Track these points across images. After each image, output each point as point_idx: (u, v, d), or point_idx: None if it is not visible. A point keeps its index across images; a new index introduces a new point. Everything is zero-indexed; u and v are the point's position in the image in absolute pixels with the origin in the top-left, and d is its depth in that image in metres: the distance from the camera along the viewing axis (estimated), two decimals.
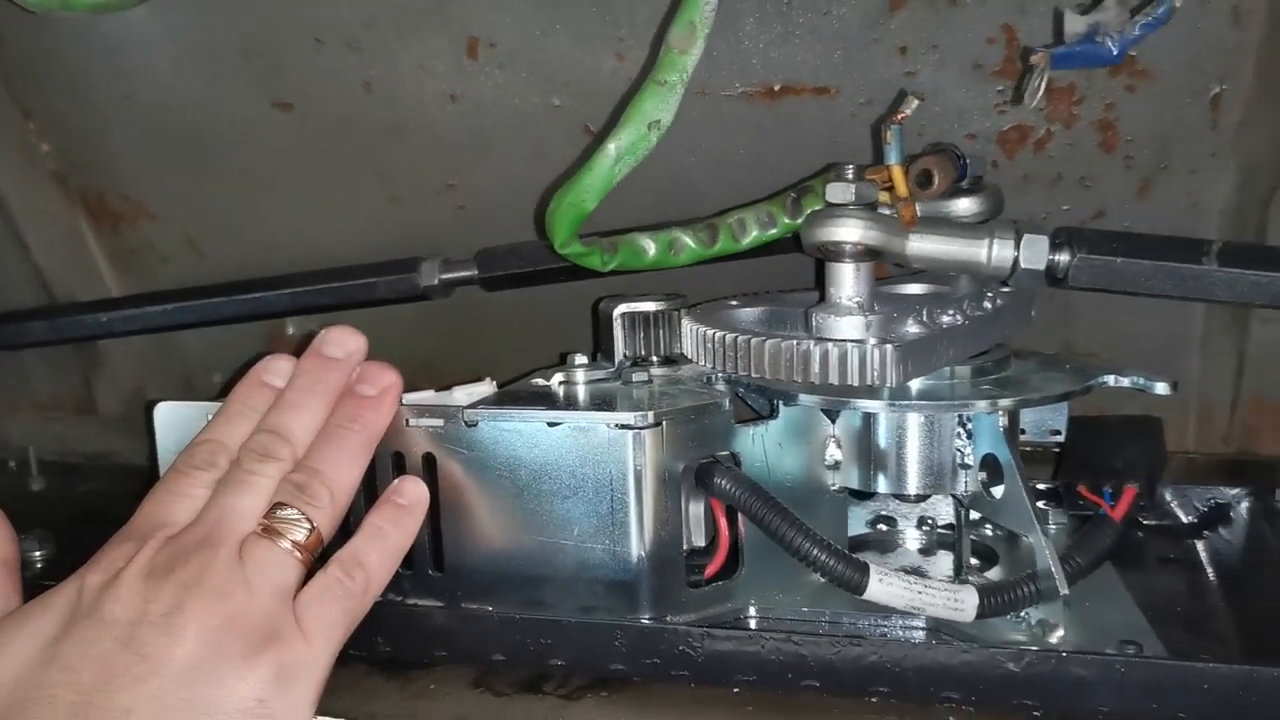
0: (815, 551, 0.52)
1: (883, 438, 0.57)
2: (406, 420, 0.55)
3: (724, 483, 0.54)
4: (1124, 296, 0.59)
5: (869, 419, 0.58)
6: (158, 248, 0.87)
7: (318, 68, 0.72)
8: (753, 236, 0.64)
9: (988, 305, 0.58)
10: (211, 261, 0.86)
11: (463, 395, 0.57)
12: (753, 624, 0.56)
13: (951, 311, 0.56)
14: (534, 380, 0.60)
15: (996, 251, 0.57)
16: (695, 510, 0.55)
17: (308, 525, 0.50)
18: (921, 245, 0.57)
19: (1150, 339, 0.74)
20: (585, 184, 0.53)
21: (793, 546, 0.53)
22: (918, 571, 0.59)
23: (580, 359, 0.61)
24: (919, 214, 0.57)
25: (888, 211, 0.56)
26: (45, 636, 0.46)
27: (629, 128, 0.52)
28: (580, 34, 0.66)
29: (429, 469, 0.56)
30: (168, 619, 0.45)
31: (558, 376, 0.60)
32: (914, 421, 0.57)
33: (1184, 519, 0.69)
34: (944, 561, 0.64)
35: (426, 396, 0.57)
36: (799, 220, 0.63)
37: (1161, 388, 0.57)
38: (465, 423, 0.54)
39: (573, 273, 0.67)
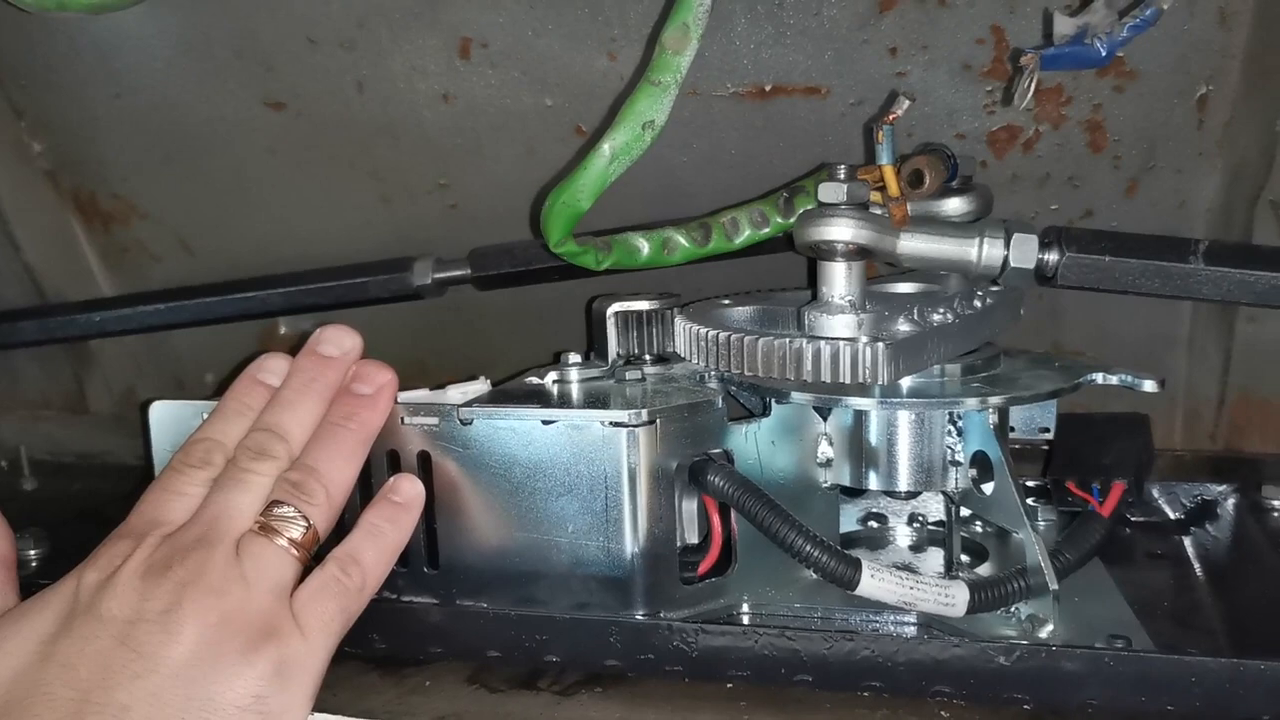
0: (808, 548, 0.53)
1: (874, 435, 0.58)
2: (401, 418, 0.56)
3: (717, 480, 0.54)
4: (1112, 295, 0.60)
5: (860, 416, 0.58)
6: (149, 247, 0.87)
7: (310, 67, 0.72)
8: (745, 236, 0.64)
9: (978, 304, 0.59)
10: (203, 261, 0.86)
11: (457, 394, 0.57)
12: (746, 620, 0.56)
13: (942, 310, 0.56)
14: (528, 379, 0.60)
15: (987, 250, 0.58)
16: (688, 507, 0.56)
17: (304, 523, 0.50)
18: (912, 244, 0.57)
19: (1138, 337, 0.75)
20: (580, 183, 0.53)
21: (786, 543, 0.53)
22: (908, 568, 0.60)
23: (574, 357, 0.62)
24: (910, 213, 0.57)
25: (879, 211, 0.56)
26: (43, 634, 0.46)
27: (623, 128, 0.52)
28: (572, 34, 0.67)
29: (424, 467, 0.56)
30: (165, 616, 0.46)
31: (551, 375, 0.60)
32: (905, 419, 0.57)
33: (1171, 515, 0.69)
34: (934, 558, 0.64)
35: (421, 395, 0.57)
36: (791, 220, 0.63)
37: (1149, 385, 0.58)
38: (460, 421, 0.55)
39: (565, 272, 0.68)
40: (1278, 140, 0.63)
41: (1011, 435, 0.61)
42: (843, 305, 0.56)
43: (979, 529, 0.65)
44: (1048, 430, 0.62)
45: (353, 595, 0.50)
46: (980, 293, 0.60)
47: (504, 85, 0.70)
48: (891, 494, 0.65)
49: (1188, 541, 0.67)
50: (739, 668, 0.51)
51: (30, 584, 0.52)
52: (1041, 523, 0.66)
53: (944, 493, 0.60)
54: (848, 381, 0.53)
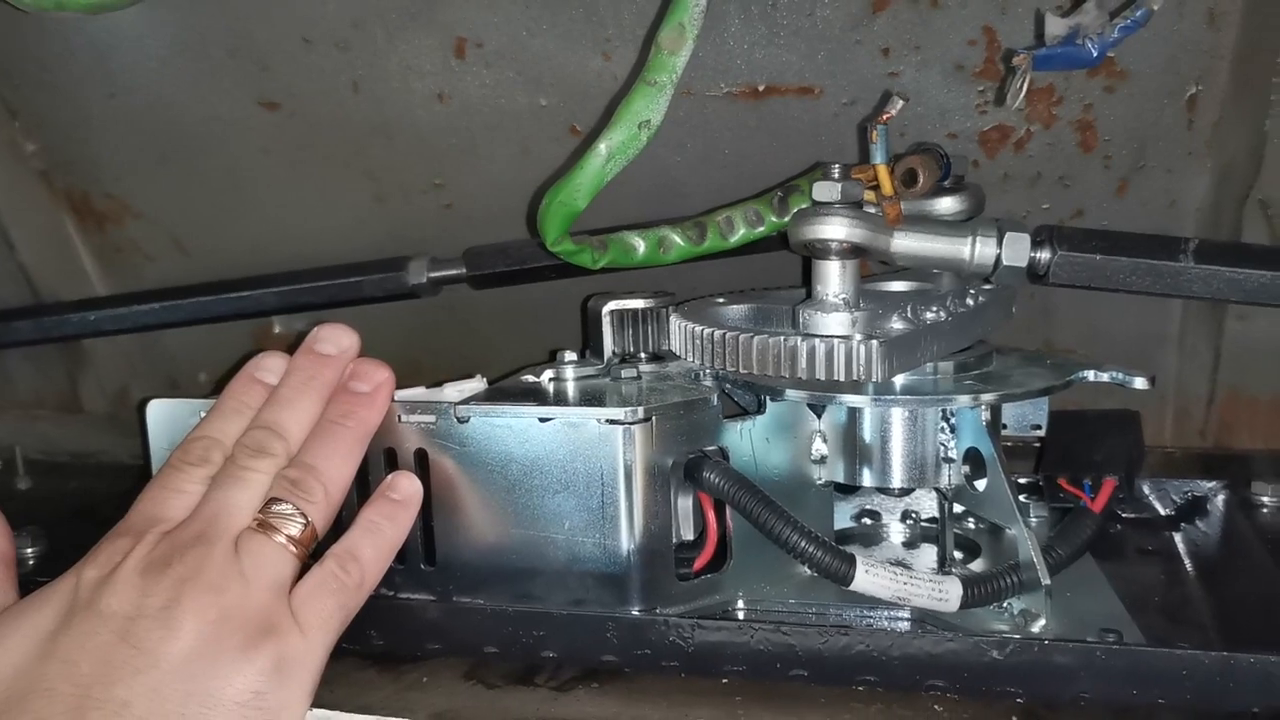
0: (803, 544, 0.53)
1: (868, 432, 0.58)
2: (399, 416, 0.56)
3: (713, 477, 0.54)
4: (1103, 294, 0.61)
5: (854, 414, 0.58)
6: (143, 247, 0.87)
7: (305, 67, 0.72)
8: (740, 234, 0.65)
9: (970, 302, 0.59)
10: (197, 260, 0.86)
11: (454, 392, 0.57)
12: (741, 615, 0.57)
13: (935, 308, 0.57)
14: (524, 377, 0.61)
15: (979, 249, 0.58)
16: (684, 504, 0.56)
17: (302, 520, 0.50)
18: (906, 243, 0.58)
19: (1128, 335, 0.75)
20: (577, 183, 0.54)
21: (781, 539, 0.53)
22: (902, 564, 0.60)
23: (569, 356, 0.62)
24: (903, 212, 0.58)
25: (873, 210, 0.57)
26: (43, 631, 0.46)
27: (620, 127, 0.52)
28: (567, 34, 0.67)
29: (421, 465, 0.56)
30: (165, 612, 0.46)
31: (547, 373, 0.60)
32: (898, 416, 0.58)
33: (1161, 511, 0.70)
34: (928, 554, 0.65)
35: (418, 393, 0.57)
36: (786, 218, 0.63)
37: (1140, 383, 0.58)
38: (457, 418, 0.55)
39: (560, 271, 0.68)
40: (1266, 140, 0.64)
41: (1004, 432, 0.61)
42: (837, 303, 0.56)
43: (972, 525, 0.66)
44: (1040, 427, 0.62)
45: (351, 592, 0.51)
46: (973, 291, 0.60)
47: (499, 85, 0.70)
48: (885, 491, 0.66)
49: (1178, 537, 0.68)
50: (735, 663, 0.51)
51: (28, 582, 0.52)
52: (1034, 518, 0.66)
53: (937, 489, 0.60)
54: (842, 379, 0.53)
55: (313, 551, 0.51)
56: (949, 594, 0.53)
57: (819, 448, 0.60)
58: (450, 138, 0.74)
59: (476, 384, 0.59)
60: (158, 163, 0.81)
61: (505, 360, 0.69)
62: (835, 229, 0.55)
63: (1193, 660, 0.47)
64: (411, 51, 0.70)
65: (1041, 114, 0.66)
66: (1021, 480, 0.67)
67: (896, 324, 0.55)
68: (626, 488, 0.53)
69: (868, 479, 0.59)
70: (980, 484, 0.56)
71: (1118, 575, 0.60)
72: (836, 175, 0.56)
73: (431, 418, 0.56)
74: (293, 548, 0.50)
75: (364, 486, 0.56)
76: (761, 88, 0.67)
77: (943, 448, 0.58)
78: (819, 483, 0.60)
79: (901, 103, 0.54)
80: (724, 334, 0.55)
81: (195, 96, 0.75)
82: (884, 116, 0.54)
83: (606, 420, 0.53)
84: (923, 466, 0.58)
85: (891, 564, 0.55)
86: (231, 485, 0.51)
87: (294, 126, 0.76)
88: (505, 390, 0.59)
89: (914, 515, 0.68)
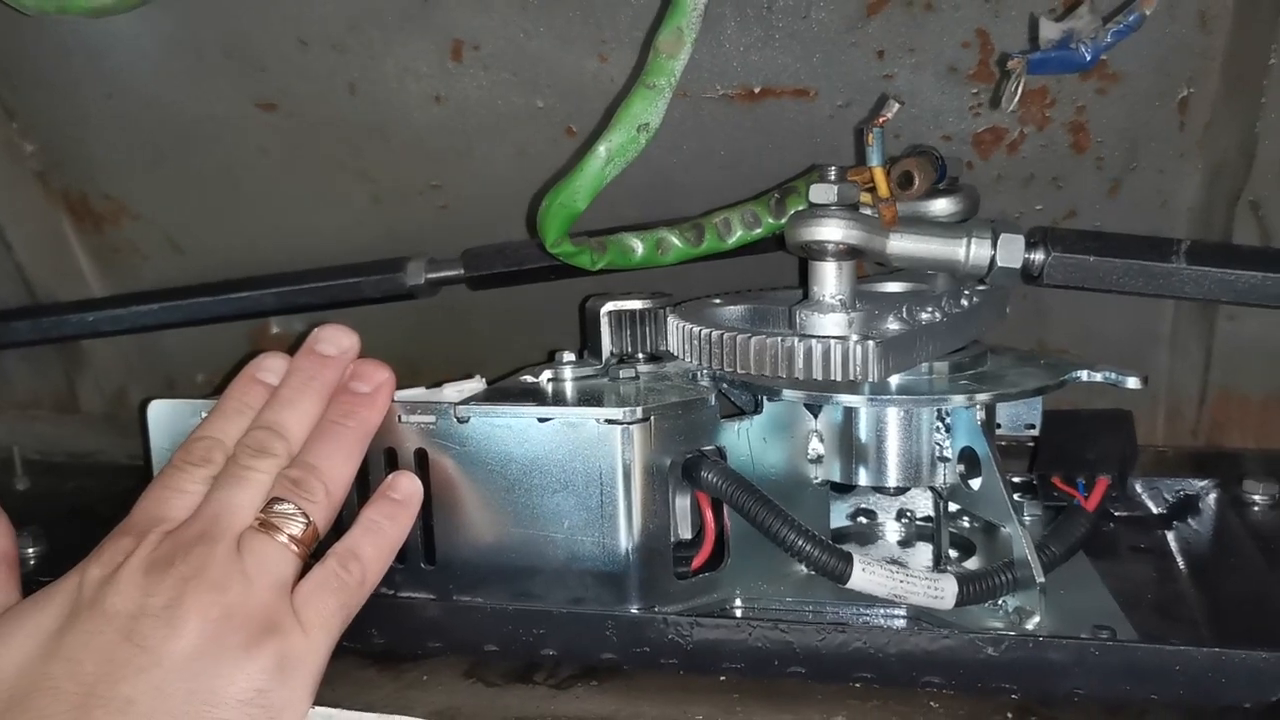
0: (801, 542, 0.53)
1: (864, 432, 0.59)
2: (399, 416, 0.56)
3: (710, 476, 0.55)
4: (1096, 294, 0.61)
5: (850, 414, 0.59)
6: (140, 247, 0.87)
7: (302, 69, 0.72)
8: (738, 236, 0.65)
9: (965, 303, 0.60)
10: (194, 261, 0.86)
11: (453, 392, 0.58)
12: (739, 613, 0.57)
13: (930, 309, 0.57)
14: (523, 377, 0.61)
15: (974, 250, 0.59)
16: (682, 503, 0.56)
17: (304, 520, 0.51)
18: (902, 244, 0.58)
19: (1121, 335, 0.76)
20: (576, 185, 0.54)
21: (779, 538, 0.54)
22: (898, 563, 0.61)
23: (567, 356, 0.62)
24: (899, 214, 0.58)
25: (869, 212, 0.57)
26: (47, 629, 0.46)
27: (619, 130, 0.53)
28: (563, 36, 0.67)
29: (421, 464, 0.56)
30: (168, 611, 0.46)
31: (546, 373, 0.60)
32: (894, 416, 0.58)
33: (1154, 510, 0.70)
34: (923, 553, 0.65)
35: (418, 393, 0.58)
36: (783, 220, 0.64)
37: (1132, 383, 0.59)
38: (457, 419, 0.55)
39: (557, 272, 0.69)
40: (1257, 141, 0.64)
41: (998, 431, 0.62)
42: (833, 304, 0.57)
43: (967, 524, 0.66)
44: (1033, 427, 0.63)
45: (352, 591, 0.51)
46: (967, 292, 0.61)
47: (495, 87, 0.71)
48: (881, 490, 0.66)
49: (1170, 535, 0.68)
50: (733, 660, 0.52)
51: (29, 581, 0.52)
52: (1028, 517, 0.67)
53: (932, 488, 0.61)
54: (838, 379, 0.53)
55: (314, 551, 0.52)
56: (944, 592, 0.54)
57: (815, 447, 0.60)
58: (447, 139, 0.74)
59: (476, 384, 0.59)
60: (155, 163, 0.81)
61: (504, 361, 0.70)
62: (832, 231, 0.55)
63: (1185, 656, 0.48)
64: (408, 54, 0.70)
65: (1034, 116, 0.67)
66: (1016, 479, 0.68)
67: (892, 324, 0.55)
68: (625, 487, 0.53)
69: (864, 478, 0.59)
70: (975, 483, 0.57)
71: (1111, 573, 0.61)
72: (833, 177, 0.57)
73: (431, 418, 0.56)
74: (294, 547, 0.50)
75: (364, 486, 0.56)
76: (757, 90, 0.68)
77: (938, 447, 0.58)
78: (815, 482, 0.61)
79: (897, 106, 0.54)
80: (721, 334, 0.56)
81: (192, 97, 0.75)
82: (880, 120, 0.55)
83: (605, 420, 0.53)
84: (918, 466, 0.58)
85: (888, 562, 0.55)
86: (233, 485, 0.51)
87: (291, 127, 0.76)
88: (504, 390, 0.59)
89: (909, 514, 0.69)
